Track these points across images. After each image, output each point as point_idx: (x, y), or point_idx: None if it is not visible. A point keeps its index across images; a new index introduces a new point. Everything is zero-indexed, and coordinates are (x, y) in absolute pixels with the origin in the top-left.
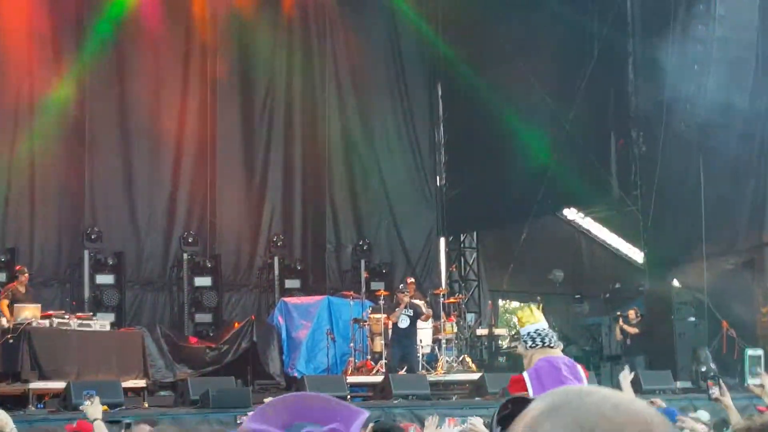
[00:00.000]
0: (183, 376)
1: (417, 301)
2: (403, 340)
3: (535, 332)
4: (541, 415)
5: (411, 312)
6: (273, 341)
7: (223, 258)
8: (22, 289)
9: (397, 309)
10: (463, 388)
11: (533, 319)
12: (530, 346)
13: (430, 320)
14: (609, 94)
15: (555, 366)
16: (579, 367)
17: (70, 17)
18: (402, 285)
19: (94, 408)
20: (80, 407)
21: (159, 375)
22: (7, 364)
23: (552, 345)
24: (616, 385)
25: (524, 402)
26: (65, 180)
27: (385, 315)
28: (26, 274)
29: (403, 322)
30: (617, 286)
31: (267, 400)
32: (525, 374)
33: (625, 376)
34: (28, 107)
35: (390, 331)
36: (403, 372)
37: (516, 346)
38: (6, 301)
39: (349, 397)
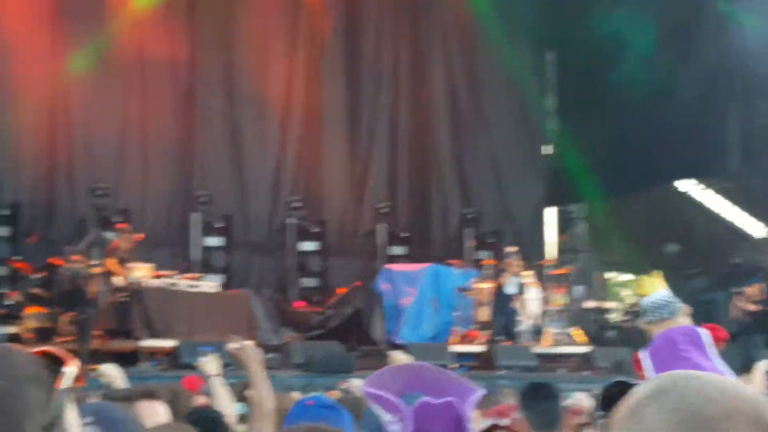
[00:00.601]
0: (288, 339)
1: (525, 272)
2: (507, 307)
3: (651, 304)
4: (646, 398)
5: (517, 280)
6: (377, 308)
7: (329, 224)
8: (126, 247)
9: (504, 273)
10: (570, 362)
11: (649, 289)
12: (648, 321)
13: (538, 291)
14: (730, 61)
15: (671, 339)
16: (703, 334)
17: None
18: (510, 250)
19: (211, 365)
20: (197, 363)
21: (264, 337)
22: (120, 322)
23: (671, 316)
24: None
25: (630, 385)
26: (176, 143)
27: (490, 280)
28: (130, 233)
29: (511, 288)
30: (736, 261)
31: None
32: (644, 353)
33: (761, 366)
34: (139, 66)
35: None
36: (505, 341)
37: (626, 320)
38: (114, 260)
39: (452, 366)
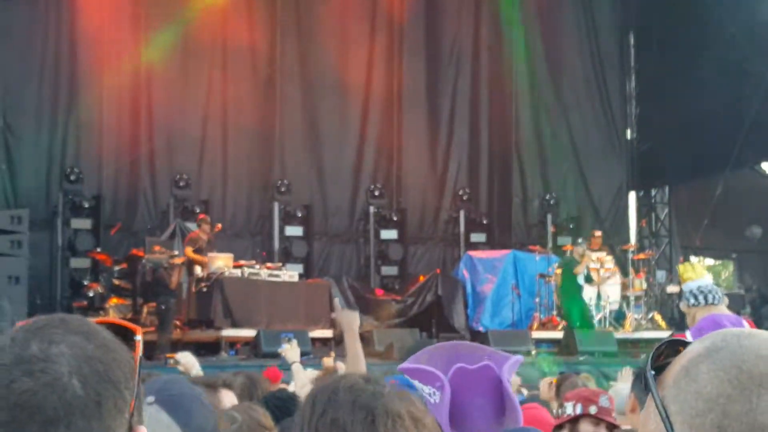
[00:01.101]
0: (369, 327)
1: (597, 255)
2: (581, 297)
3: (697, 289)
4: (699, 356)
5: (598, 265)
6: (458, 295)
7: (408, 211)
8: (205, 237)
9: (579, 264)
10: (652, 347)
11: (694, 274)
12: (692, 304)
13: (618, 276)
14: None
15: (719, 323)
16: (746, 323)
17: None
18: (580, 239)
19: (293, 351)
20: (279, 350)
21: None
22: (201, 312)
23: (716, 302)
24: None
25: (681, 344)
26: (256, 133)
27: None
28: (210, 224)
29: (582, 278)
30: None
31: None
32: (688, 333)
33: None
34: (220, 54)
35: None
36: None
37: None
38: (190, 248)
39: (534, 352)
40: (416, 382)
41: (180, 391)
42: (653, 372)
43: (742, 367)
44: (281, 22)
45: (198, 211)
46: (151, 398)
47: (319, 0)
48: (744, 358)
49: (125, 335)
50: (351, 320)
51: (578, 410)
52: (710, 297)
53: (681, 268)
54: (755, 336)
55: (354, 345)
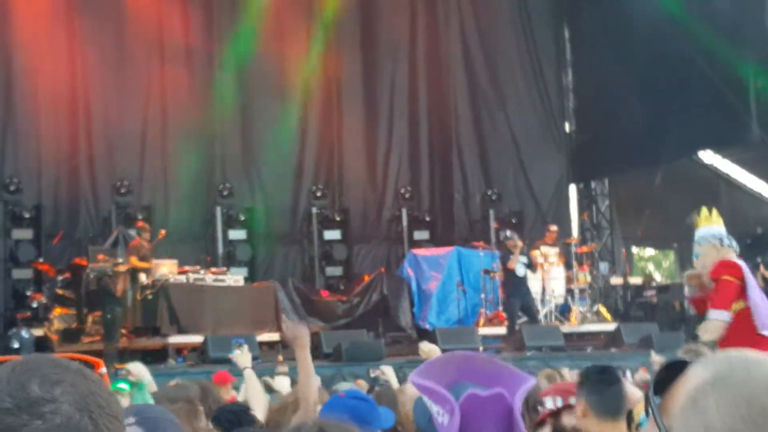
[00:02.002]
0: (315, 329)
1: (539, 250)
2: (521, 289)
3: (710, 232)
4: (705, 385)
5: (526, 259)
6: (403, 293)
7: (351, 211)
8: (146, 245)
9: (513, 256)
10: (598, 339)
11: (714, 221)
12: (726, 245)
13: (562, 269)
14: (746, 30)
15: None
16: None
17: None
18: (510, 232)
19: (244, 357)
20: (230, 356)
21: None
22: (147, 319)
23: (726, 247)
24: None
25: (680, 367)
26: (195, 138)
27: (499, 264)
28: (149, 231)
29: (521, 270)
30: (759, 231)
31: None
32: (740, 263)
33: None
34: (158, 55)
35: (505, 281)
36: (522, 321)
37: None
38: (135, 257)
39: (481, 348)
40: (426, 398)
41: (155, 415)
42: (657, 396)
43: (752, 401)
44: (217, 22)
45: (140, 217)
46: (131, 419)
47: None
48: (753, 391)
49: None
50: (300, 335)
51: (558, 403)
52: (724, 241)
53: (699, 215)
54: (762, 364)
55: (306, 362)
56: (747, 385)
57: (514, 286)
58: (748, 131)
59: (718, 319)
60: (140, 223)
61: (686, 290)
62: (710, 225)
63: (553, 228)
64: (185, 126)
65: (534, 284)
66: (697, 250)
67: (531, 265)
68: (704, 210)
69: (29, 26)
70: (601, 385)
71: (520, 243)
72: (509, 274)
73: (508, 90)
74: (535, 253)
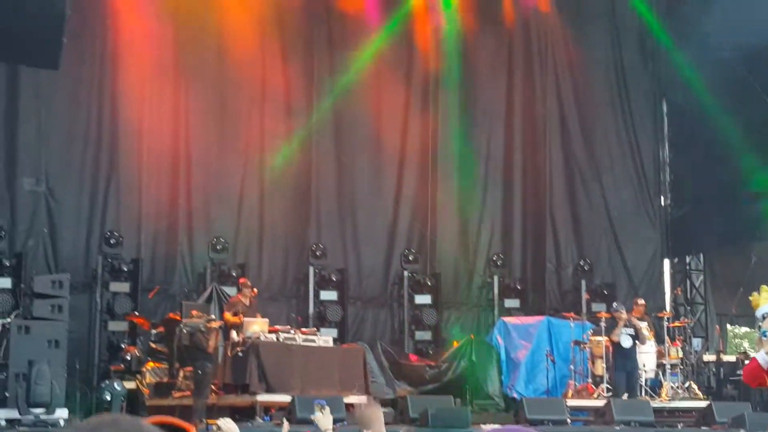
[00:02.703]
0: (403, 393)
1: (638, 323)
2: (627, 362)
3: None
4: None
5: (633, 331)
6: (492, 361)
7: (442, 276)
8: (246, 302)
9: (615, 328)
10: (689, 416)
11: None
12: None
13: (653, 344)
14: None
15: None
16: None
17: None
18: (616, 304)
19: (325, 419)
20: (312, 417)
21: (379, 391)
22: (237, 376)
23: None
24: None
25: None
26: (292, 197)
27: (605, 336)
28: (251, 288)
29: (626, 342)
30: None
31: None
32: (758, 355)
33: None
34: (258, 114)
35: (611, 353)
36: (625, 396)
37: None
38: (230, 314)
39: (569, 421)
40: None
41: None
42: None
43: None
44: (317, 78)
45: (234, 274)
46: None
47: (354, 57)
48: None
49: None
50: (373, 418)
51: None
52: None
53: (759, 293)
54: None
55: None
56: None
57: (620, 359)
58: None
59: None
60: (242, 280)
61: (762, 357)
62: None
63: (641, 302)
64: (282, 184)
65: (647, 358)
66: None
67: (638, 337)
68: (765, 286)
69: (135, 80)
70: None
71: (624, 315)
72: (615, 346)
73: (603, 162)
74: (642, 325)
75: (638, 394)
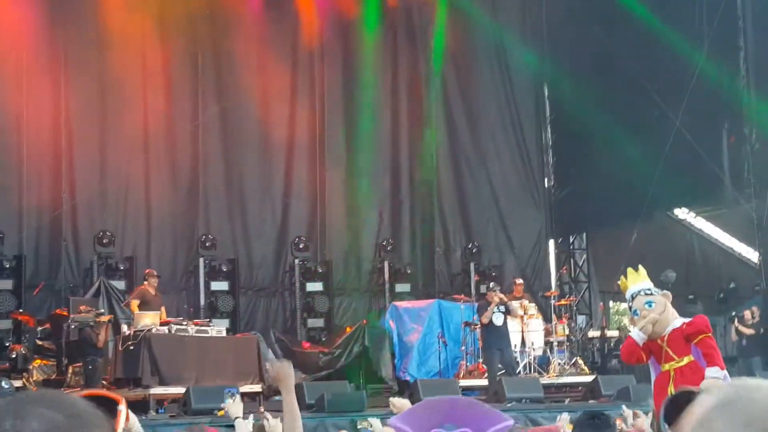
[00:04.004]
0: (297, 380)
1: (511, 302)
2: (498, 340)
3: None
4: (713, 410)
5: (504, 309)
6: (384, 345)
7: (333, 263)
8: (152, 291)
9: (488, 308)
10: (576, 391)
11: (642, 277)
12: (663, 293)
13: (541, 322)
14: (720, 90)
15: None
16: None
17: None
18: (492, 284)
19: (235, 406)
20: (222, 405)
21: (271, 379)
22: (129, 370)
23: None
24: None
25: (688, 396)
26: (179, 188)
27: (476, 316)
28: (156, 277)
29: (498, 320)
30: (732, 285)
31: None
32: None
33: None
34: (142, 107)
35: (480, 333)
36: (501, 373)
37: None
38: (136, 302)
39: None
40: None
41: None
42: (666, 424)
43: (756, 423)
44: (201, 79)
45: (122, 268)
46: None
47: (239, 55)
48: (759, 413)
49: (108, 406)
50: (286, 374)
51: None
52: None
53: (626, 276)
54: (765, 388)
55: (291, 401)
56: (752, 407)
57: (492, 338)
58: (721, 189)
59: (719, 378)
60: (148, 270)
61: (636, 334)
62: (643, 281)
63: (519, 281)
64: (168, 178)
65: (514, 336)
66: (648, 299)
67: (509, 312)
68: (630, 269)
69: (13, 73)
70: (594, 431)
71: (497, 297)
72: (486, 326)
73: (488, 145)
74: (515, 304)
75: (516, 371)
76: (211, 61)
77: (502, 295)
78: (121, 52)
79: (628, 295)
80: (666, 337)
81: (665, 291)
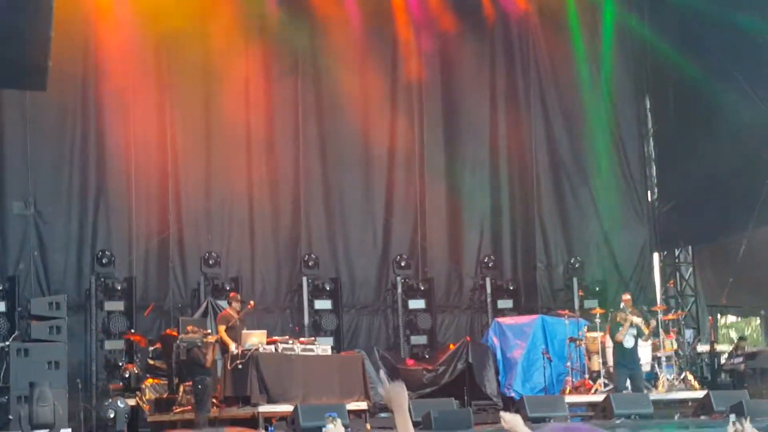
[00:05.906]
0: None
1: (637, 319)
2: (630, 362)
3: None
4: None
5: (635, 331)
6: (488, 362)
7: (435, 280)
8: (236, 315)
9: (621, 329)
10: (686, 407)
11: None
12: None
13: (650, 338)
14: None
15: None
16: None
17: None
18: (622, 305)
19: (337, 430)
20: (323, 430)
21: (379, 397)
22: (237, 389)
23: None
24: None
25: None
26: (282, 210)
27: (602, 334)
28: (239, 302)
29: (629, 342)
30: None
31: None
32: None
33: None
34: (244, 128)
35: (609, 351)
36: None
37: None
38: (223, 327)
39: (568, 417)
40: None
41: None
42: None
43: None
44: (303, 98)
45: (228, 288)
46: None
47: (339, 77)
48: None
49: None
50: (399, 396)
51: None
52: None
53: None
54: None
55: (405, 421)
56: None
57: (621, 358)
58: None
59: None
60: (232, 294)
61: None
62: None
63: (626, 297)
64: (271, 198)
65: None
66: None
67: (641, 335)
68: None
69: (120, 99)
70: None
71: (630, 318)
72: (616, 345)
73: (589, 160)
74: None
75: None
76: (311, 80)
77: (639, 320)
78: (224, 74)
79: None
80: None
81: None
